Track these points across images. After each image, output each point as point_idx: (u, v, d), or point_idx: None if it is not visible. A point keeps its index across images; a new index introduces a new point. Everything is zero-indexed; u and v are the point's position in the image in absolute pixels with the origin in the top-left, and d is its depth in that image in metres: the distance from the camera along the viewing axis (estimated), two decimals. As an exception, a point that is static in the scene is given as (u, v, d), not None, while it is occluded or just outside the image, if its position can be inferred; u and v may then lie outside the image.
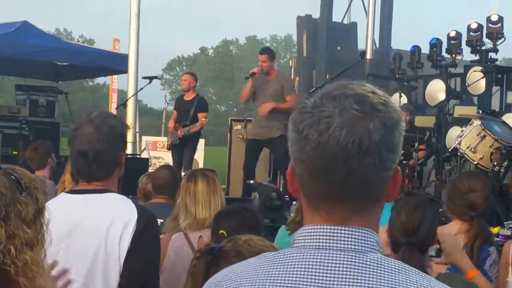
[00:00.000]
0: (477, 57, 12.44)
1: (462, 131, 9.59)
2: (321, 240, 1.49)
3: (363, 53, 10.56)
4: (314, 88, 10.50)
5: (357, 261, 1.46)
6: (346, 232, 1.48)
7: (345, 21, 17.18)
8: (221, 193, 4.60)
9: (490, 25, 12.18)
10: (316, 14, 16.35)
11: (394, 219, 3.54)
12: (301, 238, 1.51)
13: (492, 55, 12.28)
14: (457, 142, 9.44)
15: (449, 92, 12.24)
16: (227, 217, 3.73)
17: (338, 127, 1.44)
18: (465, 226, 4.36)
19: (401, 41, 17.82)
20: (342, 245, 1.47)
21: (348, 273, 1.45)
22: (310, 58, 16.07)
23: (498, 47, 12.23)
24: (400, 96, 12.16)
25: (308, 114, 1.48)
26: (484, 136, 9.19)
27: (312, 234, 1.50)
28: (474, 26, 12.36)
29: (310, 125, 1.47)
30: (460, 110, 11.65)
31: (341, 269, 1.45)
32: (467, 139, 9.28)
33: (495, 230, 7.03)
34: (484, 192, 4.43)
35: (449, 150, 10.20)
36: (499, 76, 12.00)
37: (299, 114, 1.50)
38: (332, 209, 1.49)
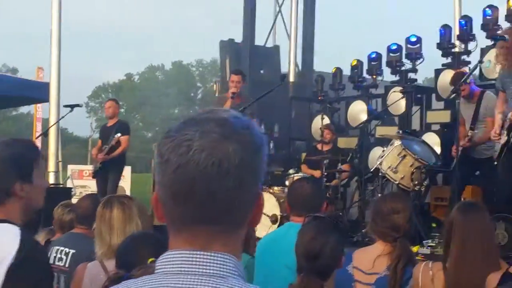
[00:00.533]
0: (397, 78, 12.60)
1: (383, 151, 9.67)
2: (181, 266, 1.48)
3: (283, 75, 10.59)
4: (239, 110, 10.48)
5: (215, 286, 1.45)
6: (206, 257, 1.48)
7: (268, 45, 17.23)
8: (137, 221, 4.49)
9: (409, 45, 12.35)
10: (238, 38, 16.36)
11: (298, 242, 3.51)
12: (163, 264, 1.50)
13: (411, 75, 12.45)
14: (378, 163, 9.51)
15: (370, 112, 12.36)
16: (132, 245, 3.64)
17: (198, 149, 1.45)
18: (388, 248, 4.33)
19: (323, 63, 17.99)
20: (202, 270, 1.47)
21: None
22: (234, 81, 16.02)
23: (417, 67, 12.42)
24: (323, 118, 12.21)
25: (170, 138, 1.48)
26: (405, 156, 9.27)
27: (173, 259, 1.49)
28: (393, 47, 12.53)
29: (171, 149, 1.47)
30: (381, 131, 11.76)
31: None
32: (388, 159, 9.35)
33: (414, 249, 7.07)
34: (406, 213, 4.42)
35: (371, 170, 10.28)
36: (419, 96, 12.19)
37: (163, 138, 1.50)
38: (194, 233, 1.48)
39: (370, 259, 4.30)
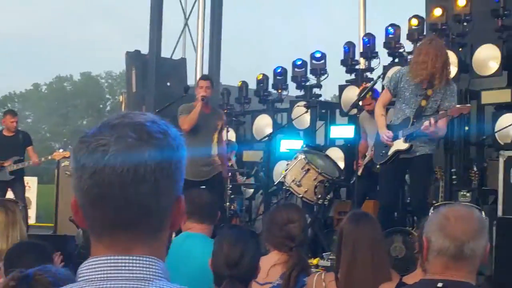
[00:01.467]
0: (302, 93, 12.74)
1: (287, 165, 9.73)
2: (105, 271, 1.46)
3: (187, 87, 10.54)
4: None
5: None
6: (130, 261, 1.47)
7: (175, 57, 17.16)
8: (21, 225, 4.45)
9: (313, 61, 12.52)
10: (145, 50, 16.25)
11: (217, 251, 3.50)
12: (86, 271, 1.48)
13: (316, 90, 12.61)
14: (282, 176, 9.56)
15: (275, 126, 12.45)
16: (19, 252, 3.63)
17: (114, 154, 1.44)
18: (283, 257, 4.37)
19: (229, 77, 18.01)
20: (127, 275, 1.46)
21: None
22: (140, 93, 15.92)
23: (322, 83, 12.59)
24: (228, 131, 12.20)
25: (86, 143, 1.48)
26: (308, 169, 9.35)
27: (96, 266, 1.48)
28: (298, 62, 12.67)
29: (87, 154, 1.46)
30: (286, 145, 11.84)
31: None
32: (292, 172, 9.40)
33: (315, 261, 7.13)
34: (301, 223, 4.47)
35: (275, 183, 10.33)
36: (323, 111, 12.35)
37: (78, 143, 1.48)
38: (114, 238, 1.48)
39: (264, 269, 4.32)
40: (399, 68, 8.47)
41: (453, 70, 8.57)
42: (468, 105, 8.19)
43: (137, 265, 1.46)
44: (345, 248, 4.15)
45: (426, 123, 7.09)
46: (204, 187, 8.69)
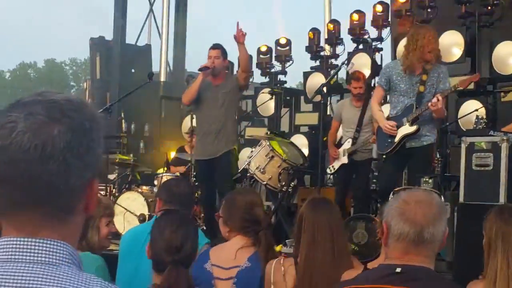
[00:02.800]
0: (267, 79, 12.71)
1: (251, 152, 9.69)
2: (10, 253, 1.43)
3: (151, 74, 10.45)
4: (105, 107, 10.32)
5: (46, 273, 1.41)
6: (35, 243, 1.44)
7: (139, 43, 17.04)
8: None
9: (278, 48, 12.49)
10: (109, 36, 16.10)
11: (157, 237, 3.46)
12: None
13: (281, 77, 12.59)
14: (246, 163, 9.53)
15: (241, 113, 12.41)
16: None
17: (21, 131, 1.41)
18: (250, 241, 4.36)
19: (194, 64, 17.90)
20: (31, 258, 1.43)
21: (35, 286, 1.40)
22: (104, 80, 15.81)
23: (287, 70, 12.57)
24: (192, 118, 12.13)
25: None
26: (272, 156, 9.32)
27: (0, 247, 1.44)
28: (263, 49, 12.63)
29: None
30: (251, 132, 11.82)
31: (28, 281, 1.40)
32: (256, 159, 9.36)
33: (278, 248, 7.10)
34: (263, 207, 4.47)
35: (239, 171, 10.30)
36: (288, 98, 12.34)
37: None
38: (20, 219, 1.45)
39: (229, 254, 4.30)
40: (387, 64, 8.49)
41: None
42: (477, 73, 8.31)
43: (43, 248, 1.43)
44: (305, 233, 4.14)
45: (434, 99, 7.20)
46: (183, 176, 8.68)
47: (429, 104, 7.23)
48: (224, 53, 8.71)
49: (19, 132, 1.41)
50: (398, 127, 7.49)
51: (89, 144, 1.47)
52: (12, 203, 1.44)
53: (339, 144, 9.77)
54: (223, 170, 8.70)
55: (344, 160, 9.44)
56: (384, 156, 8.05)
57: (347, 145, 9.49)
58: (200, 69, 8.65)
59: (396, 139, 7.51)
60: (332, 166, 9.68)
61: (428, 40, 7.35)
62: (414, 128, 7.40)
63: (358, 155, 9.41)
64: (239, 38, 8.47)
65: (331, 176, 10.49)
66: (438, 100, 7.16)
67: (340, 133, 9.90)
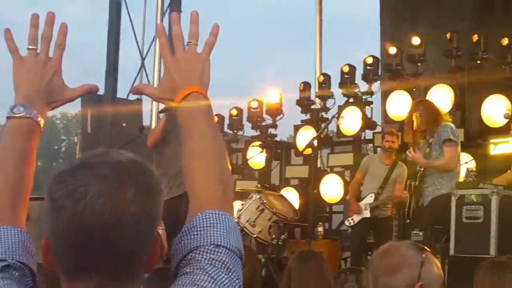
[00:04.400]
0: (257, 133, 12.72)
1: (242, 205, 9.67)
2: None
3: (142, 127, 10.46)
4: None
5: None
6: None
7: (131, 97, 17.06)
8: None
9: (269, 101, 12.53)
10: (101, 90, 16.13)
11: None
12: None
13: (271, 130, 12.61)
14: (237, 216, 9.49)
15: (231, 167, 12.38)
16: None
17: (95, 195, 1.37)
18: None
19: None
20: None
21: None
22: (95, 134, 15.76)
23: (277, 123, 12.60)
24: (183, 171, 12.14)
25: (64, 183, 1.40)
26: (263, 209, 9.30)
27: None
28: (254, 104, 12.67)
29: (65, 194, 1.38)
30: (241, 185, 11.78)
31: None
32: (247, 212, 9.35)
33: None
34: (250, 266, 4.39)
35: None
36: (278, 151, 12.34)
37: (55, 182, 1.40)
38: (89, 282, 1.40)
39: None
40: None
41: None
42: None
43: None
44: (293, 286, 4.09)
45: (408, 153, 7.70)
46: None
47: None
48: None
49: (92, 196, 1.37)
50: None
51: (156, 205, 1.45)
52: (83, 268, 1.40)
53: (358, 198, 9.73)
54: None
55: (367, 214, 9.34)
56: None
57: (369, 199, 9.40)
58: (160, 111, 8.23)
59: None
60: (352, 219, 9.58)
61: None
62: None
63: (379, 212, 9.35)
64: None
65: (321, 229, 10.43)
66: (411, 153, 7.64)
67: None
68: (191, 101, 1.72)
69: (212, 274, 1.46)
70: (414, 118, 7.81)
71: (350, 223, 9.64)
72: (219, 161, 1.70)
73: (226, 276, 1.48)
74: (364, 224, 9.39)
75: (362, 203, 9.43)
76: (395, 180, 9.26)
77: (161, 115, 8.85)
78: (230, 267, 1.51)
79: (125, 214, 1.38)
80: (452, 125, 7.88)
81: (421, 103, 8.27)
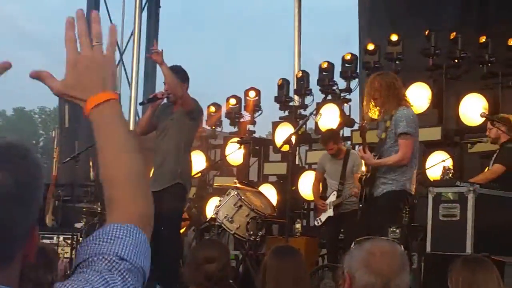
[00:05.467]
0: (235, 129, 12.73)
1: (220, 201, 9.66)
2: None
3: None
4: (73, 156, 10.31)
5: None
6: None
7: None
8: None
9: (248, 98, 12.53)
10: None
11: None
12: None
13: (250, 127, 12.61)
14: (214, 212, 9.50)
15: (209, 162, 12.38)
16: None
17: None
18: None
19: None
20: None
21: None
22: (72, 129, 15.70)
23: (256, 120, 12.61)
24: (161, 167, 12.10)
25: None
26: (241, 206, 9.30)
27: None
28: (232, 99, 12.67)
29: None
30: (219, 181, 11.80)
31: None
32: (225, 209, 9.34)
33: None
34: (220, 262, 4.38)
35: (207, 220, 10.25)
36: (257, 147, 12.35)
37: None
38: None
39: None
40: None
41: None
42: None
43: None
44: (269, 282, 4.09)
45: (360, 153, 7.24)
46: None
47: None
48: (180, 76, 7.76)
49: None
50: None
51: (34, 192, 1.41)
52: None
53: (323, 196, 9.77)
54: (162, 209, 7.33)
55: (330, 213, 9.42)
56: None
57: (332, 197, 9.46)
58: (149, 100, 7.98)
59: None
60: (319, 219, 9.66)
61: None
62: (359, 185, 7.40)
63: (344, 207, 9.39)
64: (156, 58, 7.52)
65: (299, 226, 10.44)
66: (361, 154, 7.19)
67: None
68: (108, 108, 1.68)
69: (108, 279, 1.43)
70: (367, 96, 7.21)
71: (318, 223, 9.75)
72: (141, 174, 1.64)
73: (121, 284, 1.44)
74: (332, 222, 9.45)
75: (327, 202, 9.51)
76: (351, 171, 9.31)
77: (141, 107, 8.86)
78: (129, 279, 1.46)
79: None
80: (411, 112, 7.22)
81: (380, 76, 7.37)
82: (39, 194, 1.43)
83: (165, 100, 7.90)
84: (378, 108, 7.10)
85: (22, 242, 1.41)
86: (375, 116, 7.21)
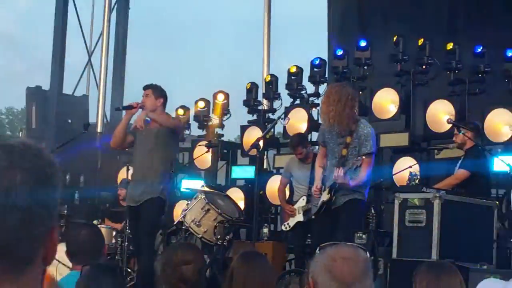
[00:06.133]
0: (204, 132, 12.70)
1: (187, 204, 9.63)
2: None
3: (87, 124, 10.34)
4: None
5: None
6: None
7: (77, 93, 16.89)
8: None
9: (216, 101, 12.52)
10: (46, 86, 15.93)
11: None
12: None
13: (218, 130, 12.59)
14: (182, 216, 9.46)
15: (177, 165, 12.32)
16: None
17: None
18: None
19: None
20: None
21: None
22: (40, 130, 15.58)
23: (224, 123, 12.59)
24: (128, 169, 11.90)
25: None
26: (208, 209, 9.27)
27: None
28: (201, 104, 12.65)
29: None
30: (187, 184, 11.75)
31: None
32: (192, 212, 9.30)
33: (210, 303, 7.02)
34: (196, 264, 4.37)
35: (175, 223, 10.22)
36: (225, 151, 12.33)
37: None
38: None
39: None
40: None
41: None
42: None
43: None
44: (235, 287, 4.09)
45: (335, 173, 7.03)
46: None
47: (332, 177, 7.09)
48: (156, 91, 8.04)
49: None
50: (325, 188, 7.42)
51: (51, 191, 1.41)
52: None
53: (290, 201, 9.76)
54: (143, 220, 8.04)
55: (300, 217, 9.37)
56: (313, 217, 7.91)
57: (301, 202, 9.43)
58: (124, 107, 8.19)
59: (318, 204, 7.45)
60: (287, 223, 9.64)
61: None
62: (328, 196, 7.23)
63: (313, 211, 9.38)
64: (142, 117, 7.92)
65: (267, 231, 10.45)
66: (337, 174, 6.99)
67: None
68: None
69: None
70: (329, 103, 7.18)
71: (286, 227, 9.72)
72: None
73: None
74: (301, 227, 9.42)
75: (295, 207, 9.50)
76: None
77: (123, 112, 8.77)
78: None
79: (15, 197, 1.35)
80: (373, 130, 7.36)
81: (335, 89, 7.42)
82: (56, 193, 1.43)
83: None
84: (331, 119, 7.14)
85: (42, 243, 1.40)
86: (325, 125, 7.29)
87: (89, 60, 17.67)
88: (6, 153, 1.37)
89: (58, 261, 9.47)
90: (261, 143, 8.92)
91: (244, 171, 11.83)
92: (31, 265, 1.39)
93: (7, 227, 1.34)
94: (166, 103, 8.25)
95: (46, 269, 1.45)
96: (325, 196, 7.33)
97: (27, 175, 1.36)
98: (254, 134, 11.34)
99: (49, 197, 1.40)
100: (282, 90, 11.82)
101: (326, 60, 11.62)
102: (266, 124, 11.75)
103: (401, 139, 9.80)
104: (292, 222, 9.53)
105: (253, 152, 9.69)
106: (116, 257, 10.10)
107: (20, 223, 1.35)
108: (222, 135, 12.75)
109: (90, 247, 4.44)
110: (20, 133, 18.04)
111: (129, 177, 8.87)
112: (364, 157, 7.02)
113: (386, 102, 10.11)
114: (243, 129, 11.96)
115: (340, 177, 6.94)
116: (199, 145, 11.83)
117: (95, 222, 11.13)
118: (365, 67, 10.83)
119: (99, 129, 15.83)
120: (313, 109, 11.27)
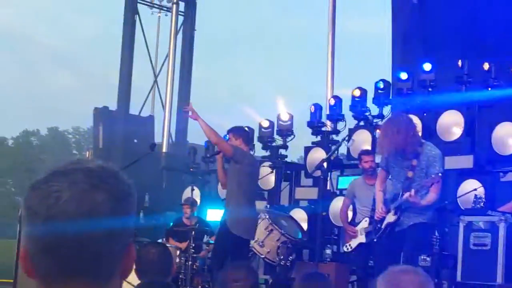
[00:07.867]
0: (268, 153, 12.78)
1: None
2: None
3: (153, 145, 10.51)
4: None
5: None
6: None
7: (143, 114, 17.19)
8: None
9: (280, 122, 12.59)
10: (113, 106, 16.25)
11: None
12: None
13: (282, 151, 12.66)
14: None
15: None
16: None
17: (67, 200, 1.41)
18: None
19: (196, 136, 17.99)
20: None
21: None
22: (106, 150, 15.86)
23: (288, 144, 12.65)
24: (193, 190, 12.18)
25: (38, 190, 1.45)
26: (272, 230, 9.35)
27: None
28: (265, 124, 12.73)
29: (39, 201, 1.43)
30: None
31: None
32: (256, 233, 9.39)
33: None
34: (246, 283, 4.43)
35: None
36: (288, 172, 12.38)
37: (29, 191, 1.46)
38: (66, 286, 1.44)
39: None
40: None
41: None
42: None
43: None
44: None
45: (406, 194, 7.12)
46: None
47: (403, 197, 7.18)
48: (235, 134, 8.98)
49: (65, 201, 1.41)
50: (389, 211, 7.47)
51: (129, 209, 1.50)
52: (59, 273, 1.44)
53: (352, 222, 9.74)
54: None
55: (362, 239, 9.32)
56: (375, 240, 7.96)
57: (364, 224, 9.38)
58: (211, 154, 9.32)
59: (382, 226, 7.48)
60: (349, 245, 9.60)
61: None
62: (394, 217, 7.32)
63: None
64: (191, 117, 8.79)
65: (330, 252, 10.44)
66: (410, 195, 7.08)
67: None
68: None
69: None
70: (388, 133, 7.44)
71: (347, 249, 9.65)
72: None
73: None
74: (363, 248, 9.36)
75: (358, 228, 9.45)
76: None
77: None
78: None
79: (98, 216, 1.42)
80: (439, 150, 7.52)
81: (392, 122, 7.72)
82: (133, 211, 1.51)
83: None
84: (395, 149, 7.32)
85: (120, 259, 1.49)
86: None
87: (155, 81, 17.96)
88: (86, 176, 1.45)
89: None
90: (325, 164, 8.97)
91: (307, 192, 11.85)
92: (112, 279, 1.49)
93: (91, 245, 1.43)
94: (248, 139, 9.29)
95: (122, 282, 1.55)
96: (390, 218, 7.34)
97: (107, 195, 1.45)
98: (317, 155, 11.37)
99: (128, 215, 1.49)
100: (346, 111, 11.85)
101: (390, 81, 11.60)
102: (329, 145, 11.77)
103: (466, 161, 9.72)
104: (354, 243, 9.49)
105: (317, 173, 9.71)
106: (180, 276, 10.22)
107: (103, 240, 1.44)
108: (286, 156, 12.81)
109: (160, 266, 4.56)
110: (87, 152, 18.34)
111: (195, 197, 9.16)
112: (433, 176, 7.07)
113: (451, 124, 10.04)
114: (307, 150, 12.01)
115: (412, 196, 7.00)
116: (263, 166, 11.91)
117: (159, 241, 11.29)
118: (430, 89, 10.78)
119: (164, 149, 16.05)
120: (377, 131, 11.24)
